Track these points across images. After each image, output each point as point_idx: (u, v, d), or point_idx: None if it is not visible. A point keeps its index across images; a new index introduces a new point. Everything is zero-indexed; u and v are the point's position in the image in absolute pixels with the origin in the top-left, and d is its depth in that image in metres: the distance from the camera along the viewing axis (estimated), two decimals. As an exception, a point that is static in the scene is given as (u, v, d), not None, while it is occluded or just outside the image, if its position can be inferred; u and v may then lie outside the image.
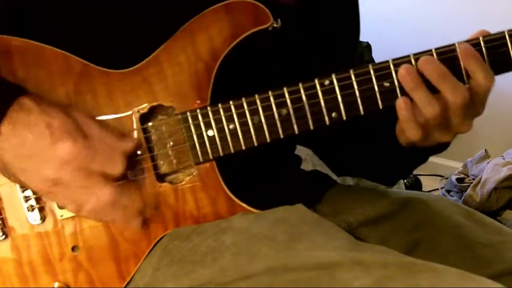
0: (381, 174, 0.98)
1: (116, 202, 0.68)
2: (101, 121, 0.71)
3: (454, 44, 0.72)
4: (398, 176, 0.97)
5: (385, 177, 0.99)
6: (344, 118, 0.74)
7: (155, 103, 0.74)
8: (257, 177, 0.84)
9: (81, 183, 0.66)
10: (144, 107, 0.74)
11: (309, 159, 1.97)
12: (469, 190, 2.42)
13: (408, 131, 0.74)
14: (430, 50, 0.72)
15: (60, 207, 0.73)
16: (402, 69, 0.71)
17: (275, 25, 0.75)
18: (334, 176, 1.06)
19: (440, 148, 0.81)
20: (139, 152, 0.74)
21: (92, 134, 0.67)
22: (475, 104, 0.72)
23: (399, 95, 0.73)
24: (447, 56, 0.72)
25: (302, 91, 0.73)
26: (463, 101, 0.70)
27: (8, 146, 0.65)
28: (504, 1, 2.58)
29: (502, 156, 2.50)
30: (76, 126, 0.66)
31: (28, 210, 0.73)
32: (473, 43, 0.72)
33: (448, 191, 2.64)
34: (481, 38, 0.72)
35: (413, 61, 0.72)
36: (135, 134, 0.74)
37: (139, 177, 0.73)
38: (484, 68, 0.71)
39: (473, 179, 2.48)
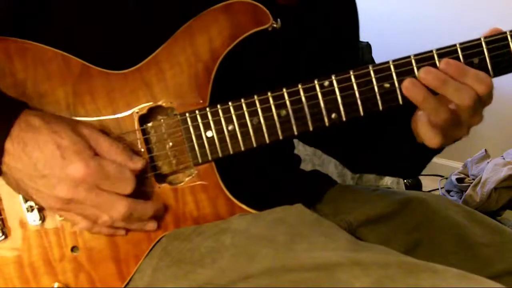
0: (399, 168, 0.98)
1: (130, 216, 0.69)
2: (109, 136, 0.71)
3: (455, 45, 0.72)
4: (418, 169, 0.96)
5: (404, 171, 0.99)
6: (344, 119, 0.74)
7: (154, 104, 0.74)
8: (257, 177, 0.84)
9: (93, 202, 0.67)
10: (144, 107, 0.74)
11: (309, 159, 1.98)
12: (469, 190, 2.42)
13: (428, 140, 0.74)
14: (431, 51, 0.72)
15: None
16: (407, 83, 0.71)
17: (274, 25, 0.75)
18: (334, 177, 1.06)
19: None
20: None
21: (102, 151, 0.68)
22: (481, 99, 0.72)
23: (399, 96, 0.73)
24: (450, 57, 0.72)
25: (301, 92, 0.73)
26: (470, 101, 0.70)
27: (20, 166, 0.66)
28: (504, 1, 2.58)
29: (502, 156, 2.50)
30: (85, 145, 0.67)
31: (28, 211, 0.73)
32: (474, 43, 0.72)
33: (448, 191, 2.64)
34: (482, 39, 0.72)
35: (413, 61, 0.72)
36: (134, 135, 0.74)
37: (138, 178, 0.73)
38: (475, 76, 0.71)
39: (473, 179, 2.48)
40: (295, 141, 1.06)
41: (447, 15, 2.76)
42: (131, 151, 0.71)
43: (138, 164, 0.70)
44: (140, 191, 0.73)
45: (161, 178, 0.75)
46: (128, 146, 0.73)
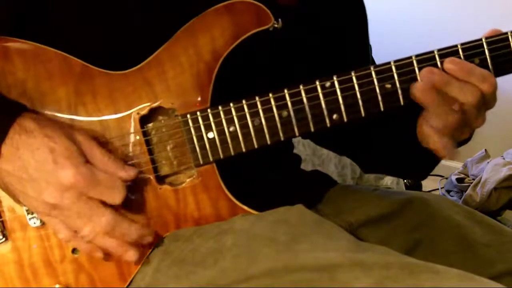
0: (408, 169, 0.97)
1: (112, 231, 0.68)
2: (103, 146, 0.70)
3: (456, 45, 0.72)
4: (425, 171, 0.96)
5: (413, 172, 0.98)
6: (345, 120, 0.74)
7: (155, 105, 0.74)
8: (258, 177, 0.84)
9: (79, 210, 0.66)
10: (145, 108, 0.74)
11: (309, 159, 1.98)
12: (469, 190, 2.42)
13: (433, 144, 0.75)
14: (433, 52, 0.72)
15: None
16: (420, 86, 0.71)
17: (276, 26, 0.75)
18: (334, 177, 1.06)
19: (463, 140, 0.81)
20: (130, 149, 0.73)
21: (94, 160, 0.68)
22: (485, 98, 0.72)
23: (400, 97, 0.73)
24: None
25: (303, 93, 0.73)
26: (474, 99, 0.71)
27: (11, 168, 0.66)
28: (504, 1, 2.58)
29: (502, 156, 2.50)
30: (78, 152, 0.66)
31: (28, 213, 0.73)
32: (475, 44, 0.72)
33: (448, 191, 2.64)
34: (483, 40, 0.72)
35: (415, 62, 0.72)
36: (135, 136, 0.74)
37: (138, 179, 0.73)
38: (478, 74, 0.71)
39: (473, 179, 2.48)
40: (295, 141, 1.06)
41: (447, 16, 2.76)
42: (123, 162, 0.70)
43: (130, 172, 0.69)
44: (141, 193, 0.73)
45: (162, 179, 0.75)
46: (129, 147, 0.73)
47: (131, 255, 0.70)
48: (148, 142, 0.74)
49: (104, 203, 0.67)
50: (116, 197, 0.67)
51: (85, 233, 0.67)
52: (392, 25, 2.96)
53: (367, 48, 1.00)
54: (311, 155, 1.99)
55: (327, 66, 0.77)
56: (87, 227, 0.67)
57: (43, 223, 0.73)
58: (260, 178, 0.85)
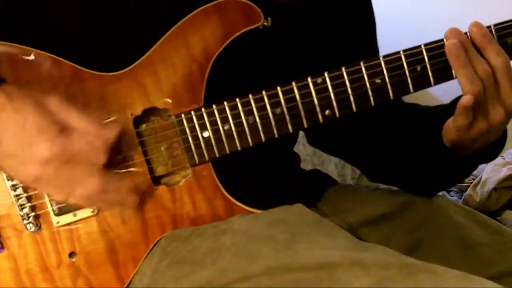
0: (420, 183, 0.92)
1: (105, 188, 0.67)
2: (80, 105, 0.69)
3: (442, 40, 0.74)
4: (438, 187, 0.93)
5: (424, 188, 0.92)
6: (337, 115, 0.75)
7: (148, 106, 0.74)
8: (256, 176, 0.84)
9: (65, 177, 0.65)
10: (138, 109, 0.74)
11: (309, 159, 1.97)
12: (469, 190, 2.42)
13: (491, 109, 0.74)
14: (420, 46, 0.74)
15: (57, 215, 0.73)
16: (450, 46, 0.72)
17: (266, 24, 0.75)
18: (334, 176, 1.05)
19: (487, 155, 0.81)
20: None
21: (71, 124, 0.66)
22: (496, 76, 0.73)
23: (390, 91, 0.74)
24: (438, 51, 0.74)
25: (295, 90, 0.74)
26: (488, 73, 0.71)
27: None
28: (504, 0, 2.58)
29: (502, 156, 2.49)
30: (52, 121, 0.64)
31: (23, 219, 0.72)
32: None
33: (448, 191, 2.63)
34: (468, 33, 0.73)
35: (403, 57, 0.73)
36: (129, 137, 0.73)
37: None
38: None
39: (473, 179, 2.48)
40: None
41: (446, 15, 2.76)
42: (103, 119, 0.69)
43: (111, 132, 0.67)
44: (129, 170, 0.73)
45: (157, 179, 0.75)
46: (123, 149, 0.72)
47: (130, 202, 0.70)
48: (142, 143, 0.74)
49: (90, 168, 0.66)
50: (100, 158, 0.66)
51: (79, 193, 0.66)
52: (392, 24, 2.96)
53: (373, 48, 0.98)
54: (311, 155, 1.98)
55: (326, 66, 0.76)
56: (78, 190, 0.66)
57: (39, 228, 0.73)
58: (259, 177, 0.85)
